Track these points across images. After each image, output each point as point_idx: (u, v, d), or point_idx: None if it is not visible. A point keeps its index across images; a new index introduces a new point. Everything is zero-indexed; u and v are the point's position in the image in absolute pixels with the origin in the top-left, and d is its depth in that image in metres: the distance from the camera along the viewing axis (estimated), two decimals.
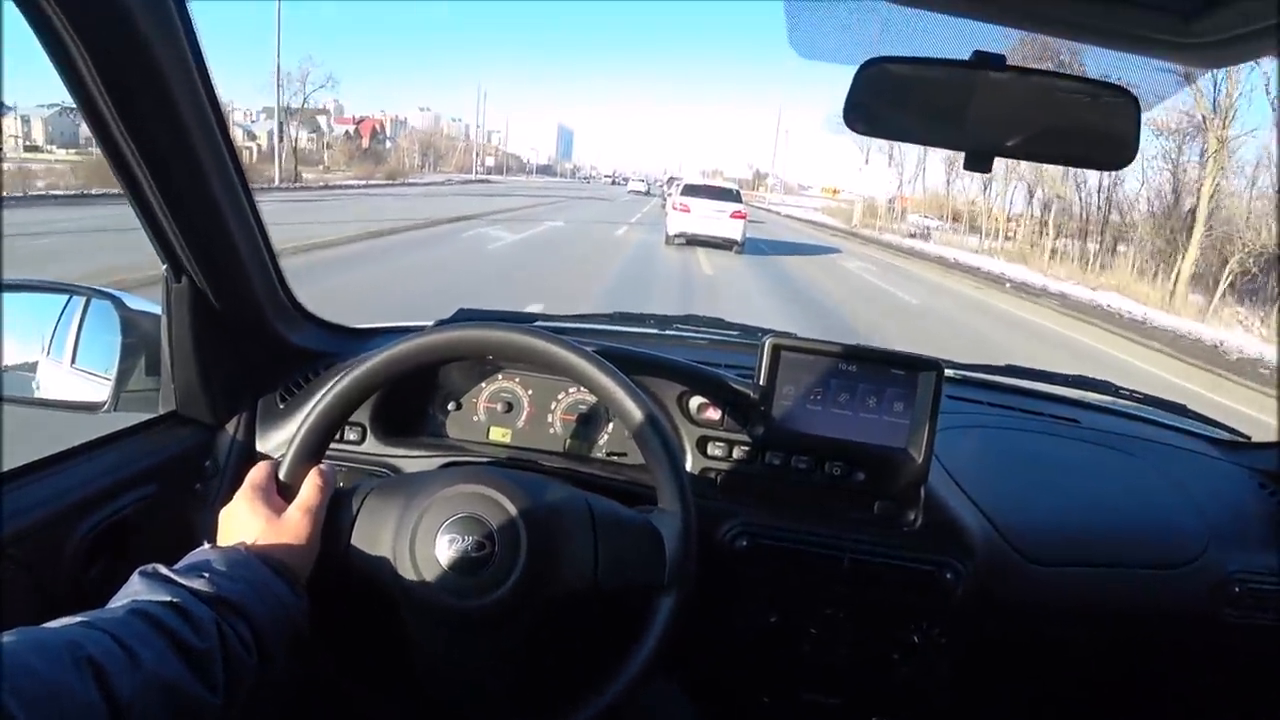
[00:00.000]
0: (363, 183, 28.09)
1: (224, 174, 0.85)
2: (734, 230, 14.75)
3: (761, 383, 0.98)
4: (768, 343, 0.98)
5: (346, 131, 57.86)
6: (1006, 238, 26.08)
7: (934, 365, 0.97)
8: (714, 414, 1.03)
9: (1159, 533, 1.14)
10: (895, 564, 1.00)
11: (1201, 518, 1.15)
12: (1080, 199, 22.16)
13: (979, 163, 0.74)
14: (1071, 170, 16.69)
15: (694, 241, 14.68)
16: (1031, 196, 24.92)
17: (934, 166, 34.37)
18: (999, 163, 0.75)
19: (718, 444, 1.03)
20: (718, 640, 1.06)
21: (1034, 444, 1.26)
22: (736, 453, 1.02)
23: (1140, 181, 19.22)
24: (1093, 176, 19.24)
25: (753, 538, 1.00)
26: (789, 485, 1.02)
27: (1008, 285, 15.89)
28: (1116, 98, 0.73)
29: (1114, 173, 14.44)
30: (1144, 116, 0.73)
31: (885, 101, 0.74)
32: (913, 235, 30.03)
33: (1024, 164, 17.35)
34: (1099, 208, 21.51)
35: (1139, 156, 0.74)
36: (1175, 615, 1.12)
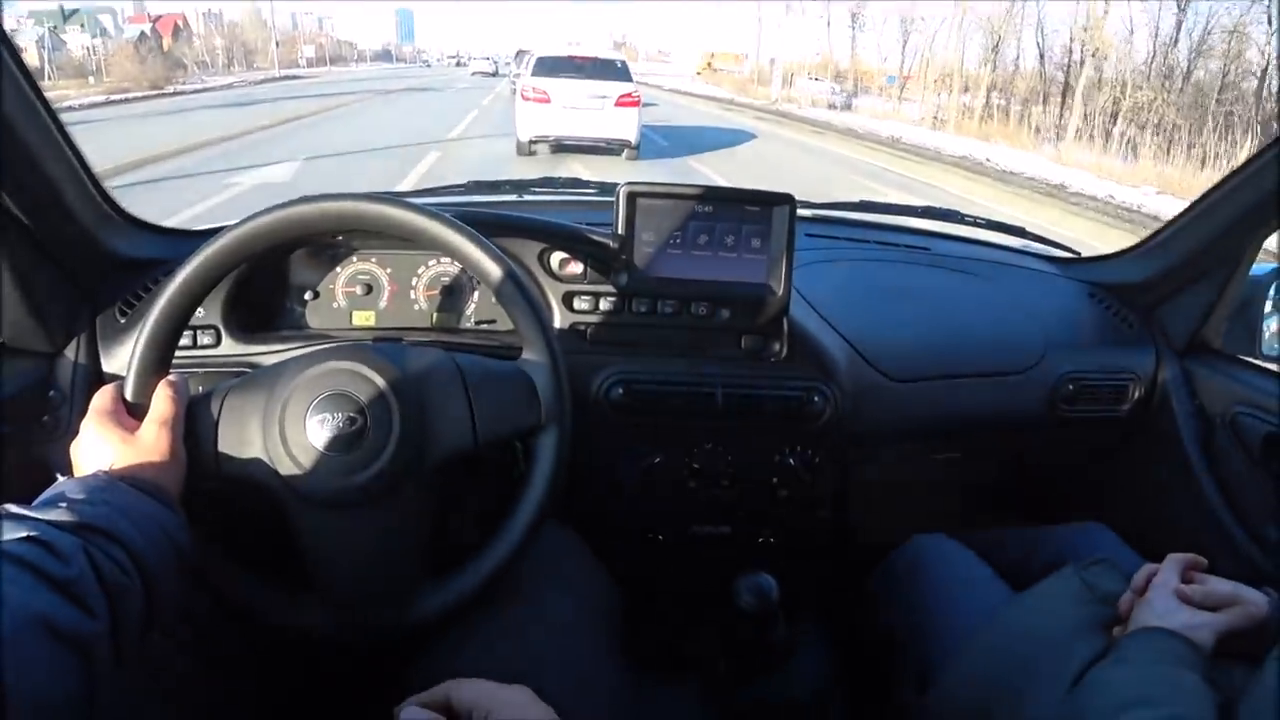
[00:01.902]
0: (104, 98, 20.48)
1: (14, 86, 0.76)
2: (624, 125, 9.77)
3: (620, 231, 0.98)
4: (622, 190, 0.97)
5: (142, 32, 50.41)
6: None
7: (787, 200, 0.99)
8: (576, 268, 1.03)
9: (1003, 344, 1.24)
10: (765, 393, 1.04)
11: (1039, 327, 1.26)
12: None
13: None
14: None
15: (561, 147, 10.04)
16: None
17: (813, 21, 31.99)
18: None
19: (583, 298, 1.03)
20: (606, 487, 1.09)
21: (889, 273, 1.32)
22: (603, 304, 1.03)
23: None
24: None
25: (627, 385, 1.02)
26: (657, 330, 1.04)
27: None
28: None
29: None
30: None
31: None
32: (831, 106, 26.30)
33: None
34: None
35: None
36: (1020, 416, 1.23)
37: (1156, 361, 1.26)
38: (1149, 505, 1.27)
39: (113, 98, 20.77)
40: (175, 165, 8.81)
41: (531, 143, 9.90)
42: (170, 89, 25.60)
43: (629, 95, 9.81)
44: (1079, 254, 1.48)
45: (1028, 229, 1.52)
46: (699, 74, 47.25)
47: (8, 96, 0.76)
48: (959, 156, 14.43)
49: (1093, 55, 17.51)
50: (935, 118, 21.55)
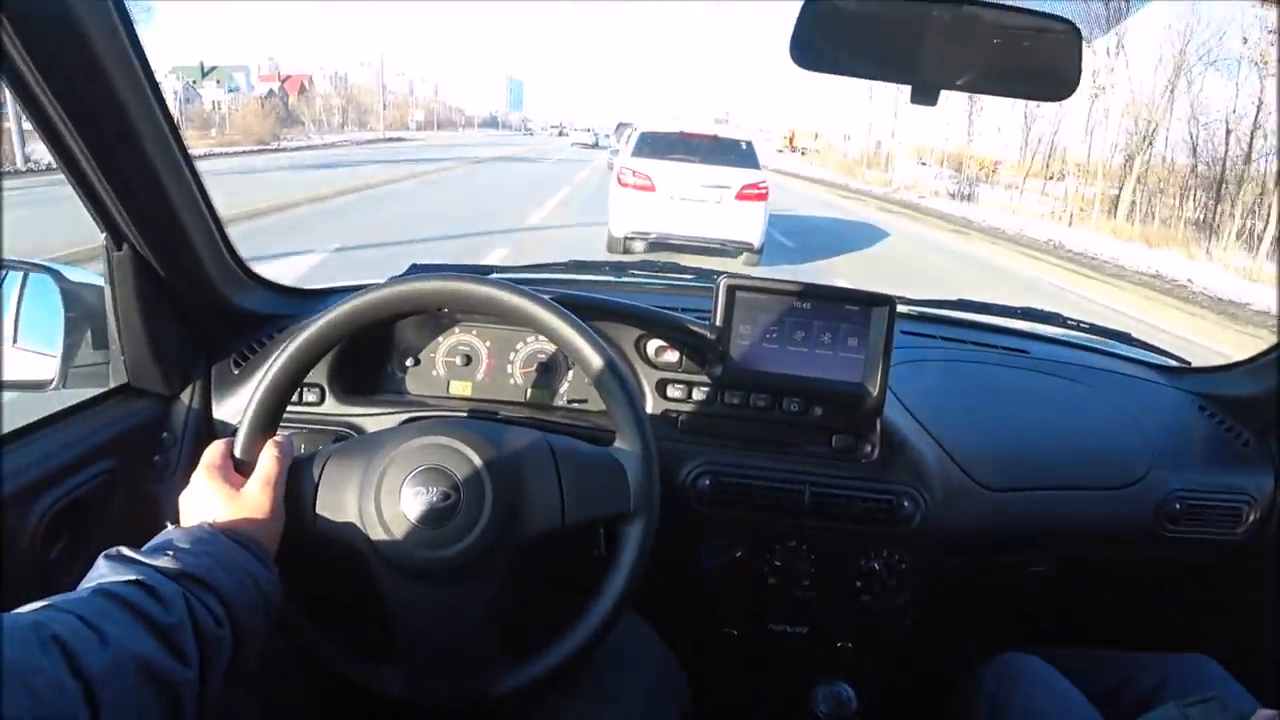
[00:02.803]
0: (204, 151, 20.73)
1: (159, 136, 0.81)
2: (746, 224, 7.39)
3: (718, 323, 0.99)
4: (723, 283, 0.99)
5: (270, 89, 53.17)
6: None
7: (887, 301, 0.99)
8: (672, 356, 1.05)
9: (1105, 455, 1.18)
10: (855, 495, 1.02)
11: (1145, 440, 1.20)
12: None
13: (925, 96, 0.75)
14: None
15: (665, 245, 7.54)
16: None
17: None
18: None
19: (677, 386, 1.05)
20: (685, 578, 1.08)
21: (985, 375, 1.29)
22: (696, 394, 1.04)
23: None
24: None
25: (715, 476, 1.02)
26: (748, 423, 1.04)
27: None
28: (1059, 27, 0.75)
29: None
30: None
31: (832, 36, 0.75)
32: (952, 195, 23.69)
33: None
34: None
35: None
36: (1121, 533, 1.17)
37: (1276, 484, 1.19)
38: (1261, 639, 1.19)
39: (214, 150, 21.14)
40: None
41: (627, 239, 7.62)
42: (275, 144, 26.74)
43: (755, 186, 7.39)
44: (1189, 363, 1.42)
45: (1134, 335, 1.47)
46: (780, 151, 45.21)
47: (156, 151, 0.81)
48: (1150, 273, 11.73)
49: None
50: (1069, 213, 19.15)
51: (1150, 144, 17.65)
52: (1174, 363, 1.41)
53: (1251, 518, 1.17)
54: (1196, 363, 1.42)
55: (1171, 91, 17.11)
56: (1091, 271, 11.52)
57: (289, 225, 8.80)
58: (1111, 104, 18.68)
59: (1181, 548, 1.18)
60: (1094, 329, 1.44)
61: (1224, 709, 0.77)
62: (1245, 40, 14.84)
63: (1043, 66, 0.77)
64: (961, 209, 20.13)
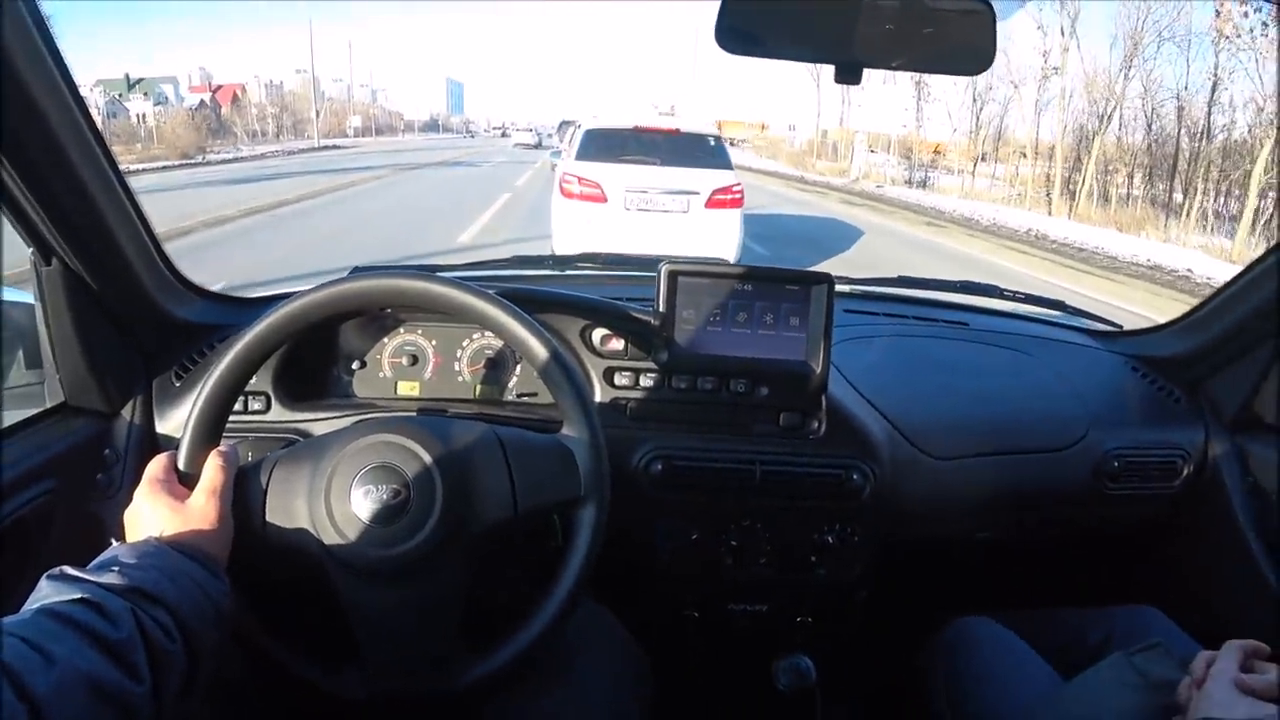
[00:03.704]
0: (137, 167, 19.26)
1: (83, 146, 0.80)
2: (720, 236, 5.89)
3: (661, 309, 1.00)
4: (664, 269, 1.00)
5: (201, 100, 51.51)
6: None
7: (825, 279, 1.01)
8: (617, 344, 1.05)
9: (1045, 419, 1.21)
10: (804, 471, 1.04)
11: (1082, 402, 1.23)
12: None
13: (848, 75, 0.77)
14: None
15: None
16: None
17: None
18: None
19: (624, 373, 1.05)
20: (643, 563, 1.09)
21: (928, 348, 1.32)
22: (643, 380, 1.05)
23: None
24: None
25: (666, 460, 1.03)
26: (697, 406, 1.04)
27: None
28: (974, 4, 0.78)
29: None
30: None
31: (755, 19, 0.77)
32: (908, 183, 22.94)
33: None
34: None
35: None
36: (1064, 493, 1.20)
37: (1206, 437, 1.23)
38: (1203, 587, 1.23)
39: (133, 166, 19.21)
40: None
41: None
42: (200, 158, 24.88)
43: (729, 190, 5.99)
44: (1120, 327, 1.46)
45: (1067, 302, 1.51)
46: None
47: (82, 162, 0.79)
48: (1147, 264, 10.72)
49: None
50: (1025, 195, 19.04)
51: (1108, 124, 17.63)
52: (1107, 328, 1.46)
53: (1186, 471, 1.21)
54: (1127, 326, 1.47)
55: (1128, 70, 17.13)
56: (1086, 265, 10.66)
57: (177, 254, 7.57)
58: (1067, 85, 18.65)
59: (1123, 504, 1.22)
60: (1029, 298, 1.48)
61: (1168, 654, 0.80)
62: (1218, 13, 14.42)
63: (960, 43, 0.79)
64: (919, 196, 19.58)
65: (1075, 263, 10.78)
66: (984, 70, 0.80)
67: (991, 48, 0.79)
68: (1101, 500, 1.20)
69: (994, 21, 0.78)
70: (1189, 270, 10.11)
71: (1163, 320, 1.37)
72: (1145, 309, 7.01)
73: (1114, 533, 1.33)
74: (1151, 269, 10.47)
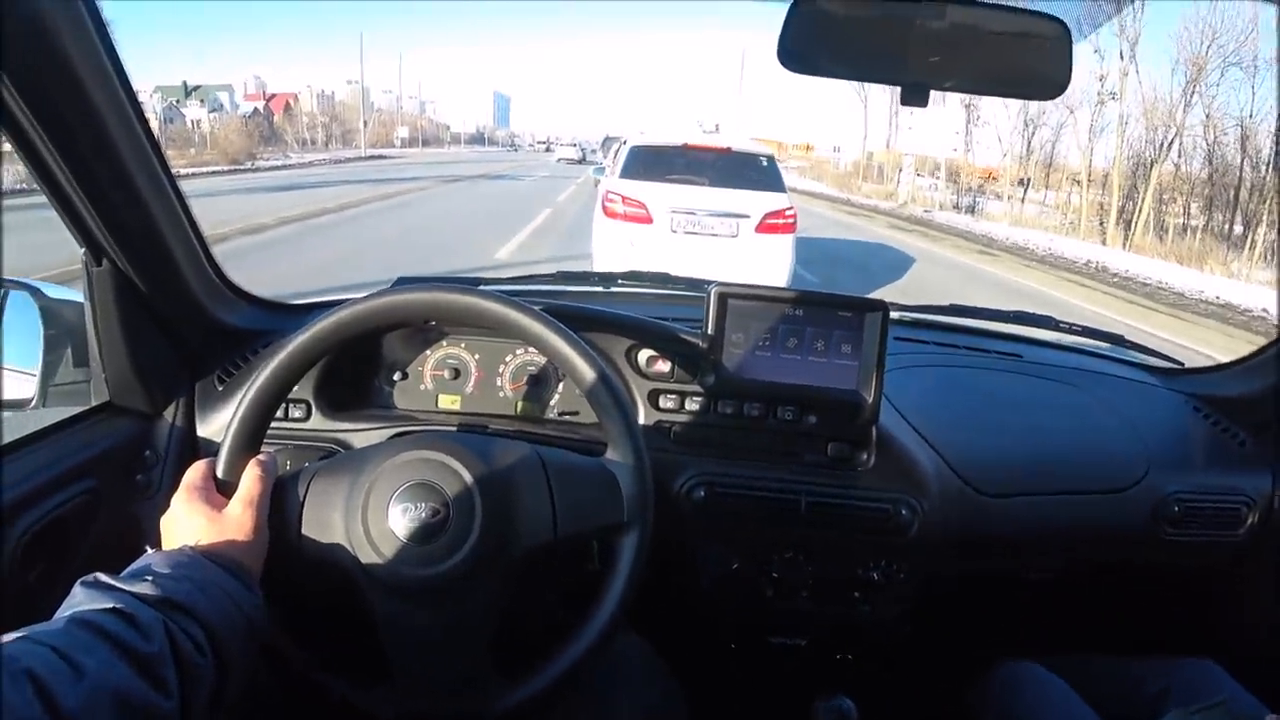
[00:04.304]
0: (187, 172, 19.73)
1: (138, 150, 0.81)
2: (770, 263, 5.61)
3: (710, 331, 0.98)
4: (714, 291, 0.98)
5: (255, 108, 53.13)
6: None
7: (880, 306, 0.98)
8: (664, 366, 1.03)
9: (1102, 459, 1.17)
10: (851, 504, 1.01)
11: (1141, 443, 1.18)
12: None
13: (915, 97, 0.75)
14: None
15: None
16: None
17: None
18: None
19: (669, 396, 1.03)
20: (682, 591, 1.06)
21: (980, 380, 1.28)
22: (689, 404, 1.03)
23: None
24: None
25: (709, 487, 1.01)
26: (742, 433, 1.02)
27: None
28: (1050, 28, 0.74)
29: None
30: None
31: (819, 38, 0.74)
32: (956, 208, 22.09)
33: None
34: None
35: None
36: (1119, 537, 1.16)
37: (1274, 484, 1.17)
38: (1267, 642, 1.18)
39: (184, 171, 19.91)
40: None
41: None
42: (249, 164, 25.60)
43: (781, 215, 5.63)
44: (1181, 364, 1.41)
45: (1126, 337, 1.45)
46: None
47: (136, 166, 0.80)
48: (1217, 302, 10.07)
49: None
50: (1080, 224, 18.43)
51: (1167, 151, 17.01)
52: (1166, 364, 1.41)
53: (1251, 519, 1.16)
54: (1188, 364, 1.41)
55: (1189, 96, 16.56)
56: (1149, 301, 10.05)
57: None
58: (1124, 111, 18.05)
59: (1182, 551, 1.17)
60: (1086, 331, 1.43)
61: (1231, 715, 0.75)
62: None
63: (1033, 66, 0.76)
64: (968, 222, 18.98)
65: (1138, 298, 10.27)
66: (1059, 95, 0.76)
67: (1067, 72, 0.75)
68: (1159, 545, 1.15)
69: (1070, 44, 0.75)
70: (1264, 311, 9.26)
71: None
72: (1218, 351, 6.42)
73: (1170, 580, 1.28)
74: (1221, 307, 9.86)
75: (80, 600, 0.55)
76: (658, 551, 0.76)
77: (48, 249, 1.27)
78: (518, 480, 0.73)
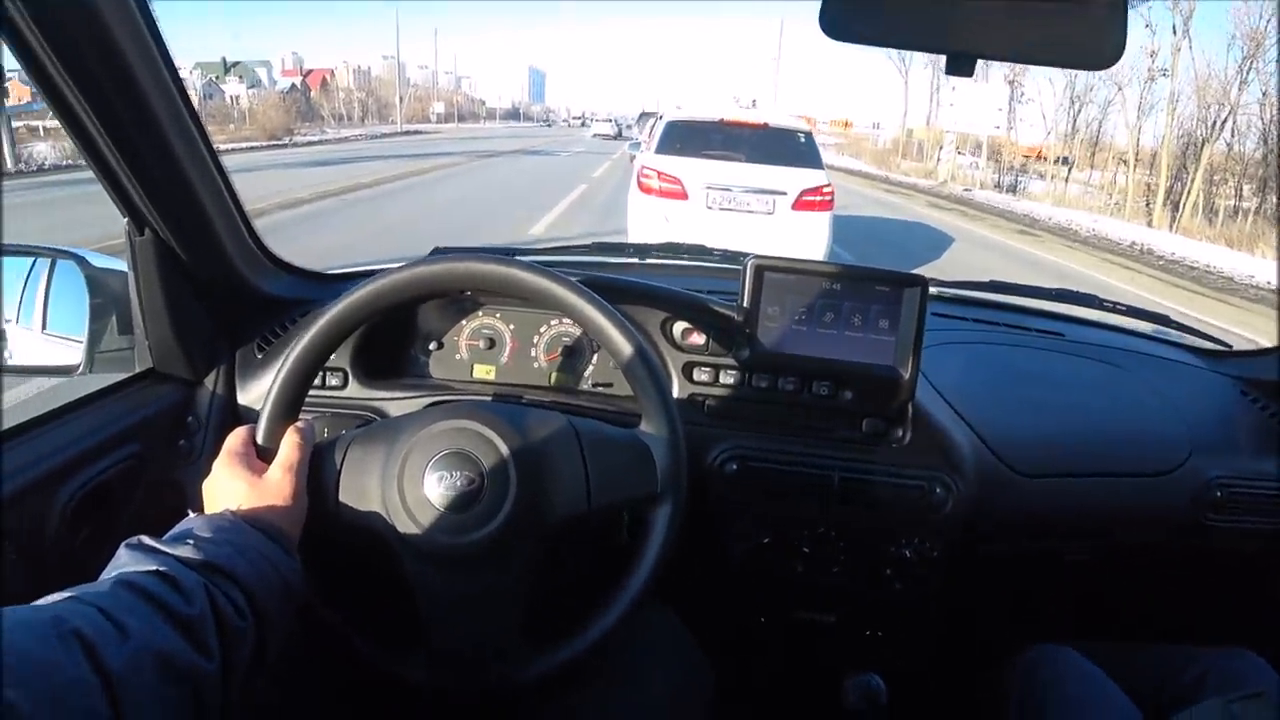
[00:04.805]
0: (226, 147, 19.79)
1: (178, 121, 0.82)
2: (806, 240, 5.52)
3: (745, 304, 0.97)
4: (750, 263, 0.97)
5: (292, 84, 53.66)
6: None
7: (919, 281, 0.97)
8: (698, 339, 1.02)
9: (1143, 442, 1.14)
10: (885, 481, 1.00)
11: (1184, 425, 1.16)
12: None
13: (961, 66, 0.72)
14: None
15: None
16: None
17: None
18: None
19: (703, 369, 1.03)
20: (712, 564, 1.06)
21: (1020, 358, 1.25)
22: (723, 377, 1.02)
23: None
24: None
25: (742, 461, 1.00)
26: (776, 407, 1.02)
27: None
28: None
29: None
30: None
31: (863, 5, 0.72)
32: (998, 187, 21.36)
33: None
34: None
35: None
36: (1159, 521, 1.13)
37: None
38: None
39: (223, 146, 20.05)
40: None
41: None
42: (287, 140, 25.85)
43: (819, 191, 5.58)
44: (1229, 346, 1.37)
45: (1172, 317, 1.40)
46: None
47: (177, 140, 0.81)
48: (1269, 287, 9.50)
49: None
50: (1125, 205, 17.79)
51: (1220, 131, 16.29)
52: (1214, 346, 1.37)
53: None
54: (1237, 346, 1.38)
55: (1244, 73, 15.73)
56: (1198, 285, 9.66)
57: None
58: (1176, 88, 17.29)
59: (1223, 537, 1.14)
60: (1131, 311, 1.39)
61: (1271, 707, 0.73)
62: None
63: (1085, 33, 0.72)
64: (1010, 202, 18.32)
65: (1186, 281, 9.93)
66: (1112, 64, 0.72)
67: (1122, 39, 0.71)
68: (1199, 531, 1.13)
69: (1125, 10, 0.71)
70: None
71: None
72: (1267, 338, 6.28)
73: (1209, 566, 1.25)
74: (1273, 292, 9.39)
75: (125, 562, 0.57)
76: (688, 524, 0.76)
77: (100, 221, 1.32)
78: (552, 450, 0.73)
